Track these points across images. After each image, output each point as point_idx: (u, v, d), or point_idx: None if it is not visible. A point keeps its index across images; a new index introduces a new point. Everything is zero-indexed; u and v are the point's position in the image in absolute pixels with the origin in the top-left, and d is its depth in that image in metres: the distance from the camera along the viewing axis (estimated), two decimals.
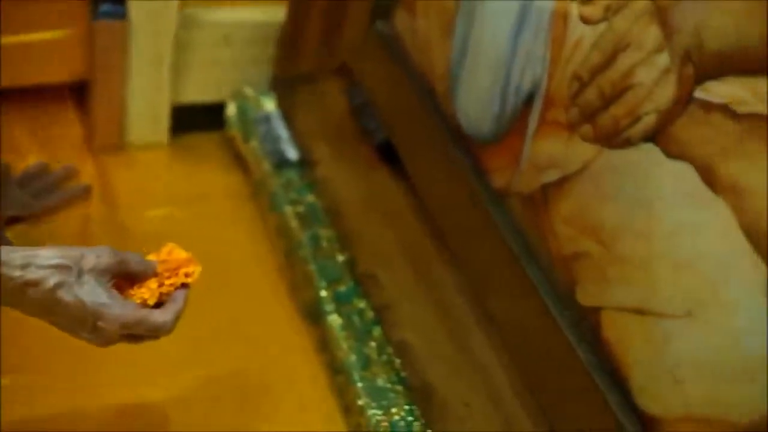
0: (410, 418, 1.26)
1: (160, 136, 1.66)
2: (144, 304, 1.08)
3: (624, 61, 1.06)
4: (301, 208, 1.50)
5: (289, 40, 1.64)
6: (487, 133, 1.29)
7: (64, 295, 1.02)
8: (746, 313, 0.93)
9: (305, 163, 1.57)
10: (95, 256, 1.05)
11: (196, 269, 1.10)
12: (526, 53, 1.21)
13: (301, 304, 1.43)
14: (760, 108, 0.92)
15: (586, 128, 1.11)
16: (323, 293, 1.39)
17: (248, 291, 1.46)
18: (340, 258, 1.43)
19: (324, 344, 1.36)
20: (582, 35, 1.12)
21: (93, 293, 1.03)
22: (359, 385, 1.28)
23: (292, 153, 1.59)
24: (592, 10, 1.10)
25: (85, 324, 1.04)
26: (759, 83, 0.92)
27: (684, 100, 0.99)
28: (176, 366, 1.33)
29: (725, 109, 0.95)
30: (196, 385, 1.33)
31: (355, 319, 1.36)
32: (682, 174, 1.00)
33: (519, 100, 1.22)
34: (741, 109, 0.93)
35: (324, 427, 1.31)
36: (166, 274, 1.10)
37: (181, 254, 1.11)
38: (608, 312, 1.09)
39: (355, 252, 1.43)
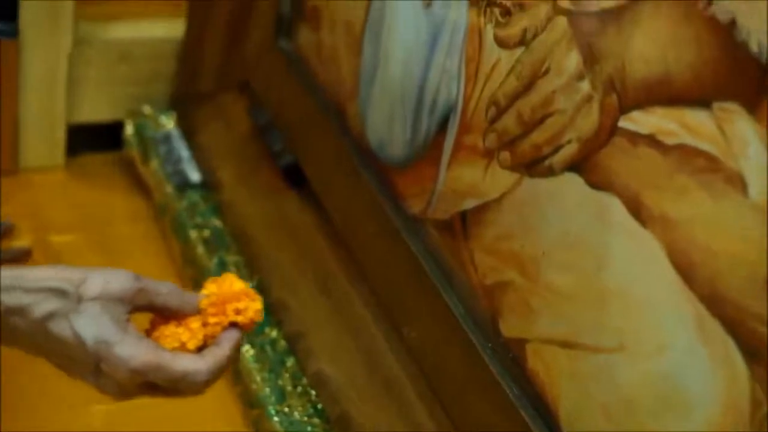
0: None
1: (56, 157, 1.60)
2: (181, 349, 0.88)
3: (543, 87, 1.03)
4: (206, 233, 1.46)
5: (189, 57, 1.59)
6: (400, 156, 1.26)
7: (57, 327, 0.83)
8: (679, 348, 0.91)
9: (209, 185, 1.52)
10: (103, 281, 0.85)
11: (251, 305, 0.90)
12: (439, 73, 1.18)
13: None
14: (688, 140, 0.90)
15: (505, 155, 1.09)
16: None
17: None
18: (249, 285, 1.39)
19: (237, 376, 1.32)
20: (499, 58, 1.09)
21: (95, 326, 0.83)
22: (275, 419, 1.24)
23: (194, 174, 1.54)
24: (509, 34, 1.07)
25: (85, 366, 0.84)
26: (686, 114, 0.90)
27: (608, 130, 0.97)
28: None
29: (652, 141, 0.93)
30: (95, 421, 1.27)
31: (268, 349, 1.32)
32: (608, 205, 0.97)
33: (433, 123, 1.19)
34: (668, 141, 0.91)
35: None
36: (211, 311, 0.89)
37: (235, 285, 0.92)
38: (533, 344, 1.06)
39: (265, 278, 1.39)
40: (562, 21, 1.00)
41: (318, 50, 1.41)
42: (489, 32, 1.10)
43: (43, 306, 0.83)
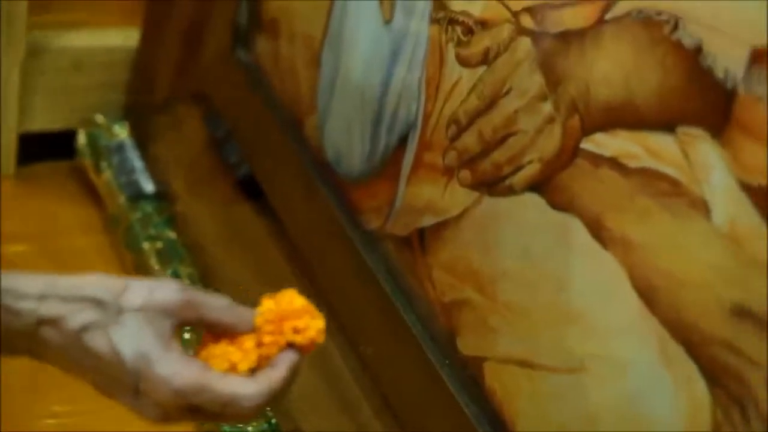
0: None
1: (8, 167, 1.58)
2: (232, 371, 0.80)
3: (505, 107, 1.03)
4: (159, 244, 1.44)
5: (144, 66, 1.58)
6: (358, 172, 1.25)
7: (93, 340, 0.75)
8: (640, 371, 0.91)
9: (163, 196, 1.51)
10: (146, 291, 0.78)
11: (311, 324, 0.82)
12: (399, 89, 1.17)
13: None
14: (651, 163, 0.90)
15: (465, 173, 1.08)
16: (186, 336, 1.34)
17: None
18: None
19: None
20: (460, 76, 1.08)
21: (136, 341, 0.75)
22: None
23: (148, 185, 1.52)
24: (471, 53, 1.07)
25: (123, 386, 0.77)
26: (650, 138, 0.90)
27: (570, 151, 0.97)
28: None
29: (615, 163, 0.93)
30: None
31: None
32: (569, 226, 0.97)
33: (392, 139, 1.19)
34: (631, 164, 0.92)
35: None
36: (268, 329, 0.81)
37: (296, 302, 0.84)
38: (491, 363, 1.06)
39: (219, 291, 1.37)
40: (525, 41, 1.00)
41: (276, 62, 1.40)
42: (450, 50, 1.09)
43: (79, 317, 0.76)
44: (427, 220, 1.14)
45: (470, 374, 1.09)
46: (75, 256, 1.48)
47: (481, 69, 1.06)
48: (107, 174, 1.54)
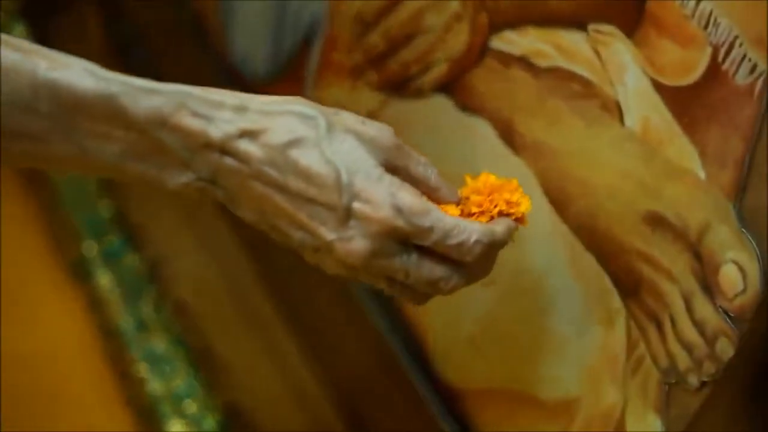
0: None
1: None
2: None
3: (412, 3, 0.97)
4: None
5: None
6: (263, 72, 1.18)
7: (302, 154, 0.66)
8: (553, 282, 0.87)
9: None
10: (360, 120, 0.70)
11: (523, 200, 0.74)
12: None
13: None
14: (561, 62, 0.84)
15: (372, 74, 1.02)
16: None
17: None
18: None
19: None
20: None
21: (351, 156, 0.67)
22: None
23: None
24: None
25: (331, 209, 0.67)
26: (560, 35, 0.84)
27: (478, 50, 0.91)
28: None
29: (525, 63, 0.87)
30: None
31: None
32: (478, 130, 0.92)
33: (297, 37, 1.12)
34: (542, 63, 0.86)
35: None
36: (476, 200, 0.73)
37: (499, 180, 0.75)
38: None
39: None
40: None
41: None
42: None
43: (286, 129, 0.67)
44: None
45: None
46: None
47: None
48: None
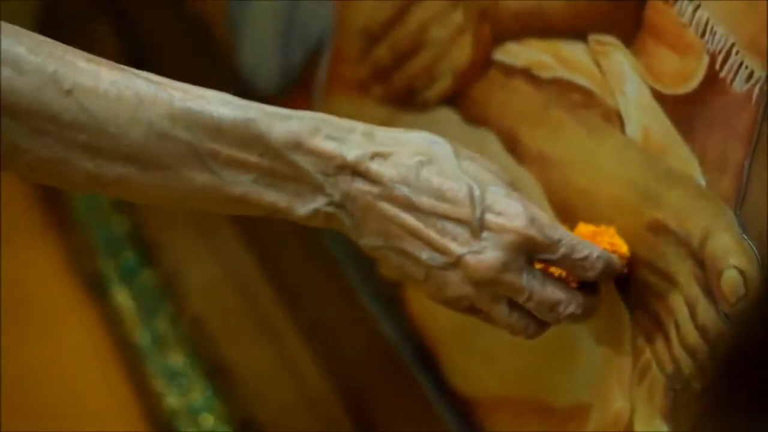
0: None
1: None
2: None
3: (417, 15, 0.98)
4: None
5: None
6: (273, 85, 1.19)
7: (435, 173, 0.70)
8: None
9: None
10: (485, 166, 0.74)
11: (622, 244, 0.78)
12: None
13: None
14: (563, 73, 0.85)
15: (378, 88, 1.03)
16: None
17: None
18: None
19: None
20: None
21: (480, 173, 0.71)
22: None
23: None
24: None
25: (462, 224, 0.69)
26: (561, 46, 0.85)
27: (482, 62, 0.92)
28: None
29: (527, 74, 0.88)
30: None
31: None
32: (484, 141, 0.93)
33: (307, 50, 1.13)
34: (544, 75, 0.87)
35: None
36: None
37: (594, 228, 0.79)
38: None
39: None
40: None
41: None
42: None
43: (414, 152, 0.71)
44: None
45: (392, 298, 1.05)
46: None
47: None
48: None
